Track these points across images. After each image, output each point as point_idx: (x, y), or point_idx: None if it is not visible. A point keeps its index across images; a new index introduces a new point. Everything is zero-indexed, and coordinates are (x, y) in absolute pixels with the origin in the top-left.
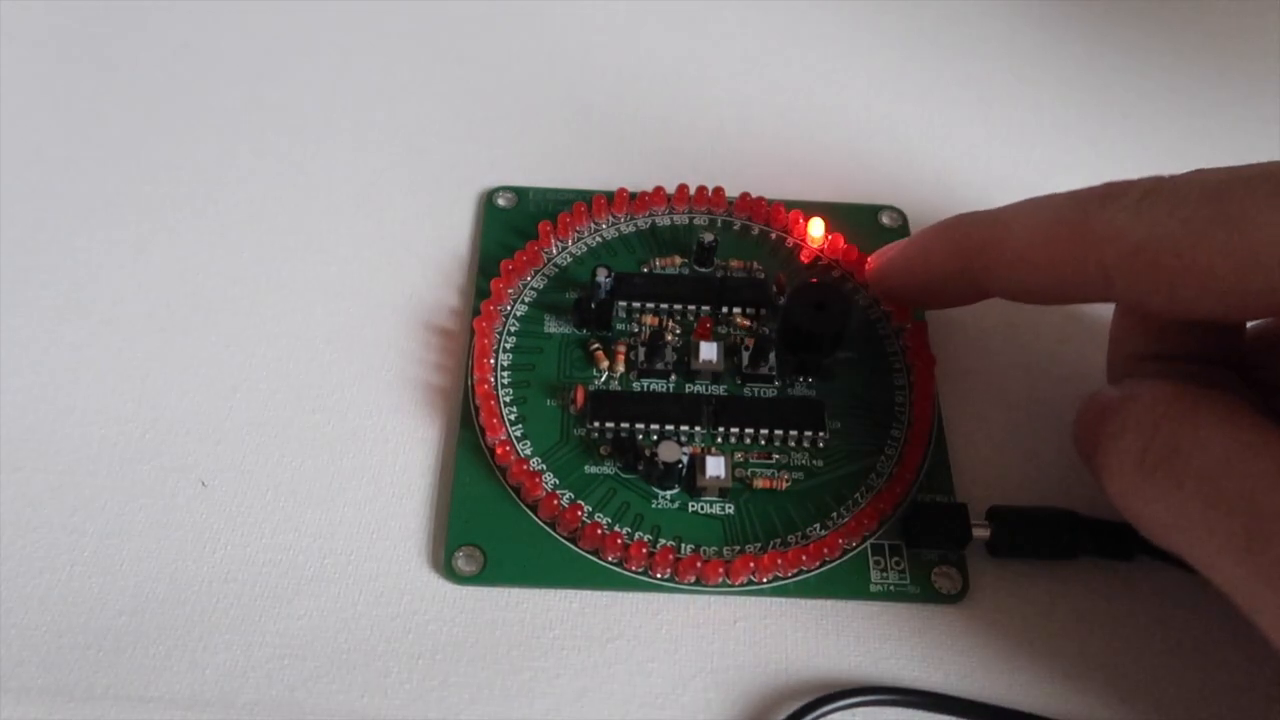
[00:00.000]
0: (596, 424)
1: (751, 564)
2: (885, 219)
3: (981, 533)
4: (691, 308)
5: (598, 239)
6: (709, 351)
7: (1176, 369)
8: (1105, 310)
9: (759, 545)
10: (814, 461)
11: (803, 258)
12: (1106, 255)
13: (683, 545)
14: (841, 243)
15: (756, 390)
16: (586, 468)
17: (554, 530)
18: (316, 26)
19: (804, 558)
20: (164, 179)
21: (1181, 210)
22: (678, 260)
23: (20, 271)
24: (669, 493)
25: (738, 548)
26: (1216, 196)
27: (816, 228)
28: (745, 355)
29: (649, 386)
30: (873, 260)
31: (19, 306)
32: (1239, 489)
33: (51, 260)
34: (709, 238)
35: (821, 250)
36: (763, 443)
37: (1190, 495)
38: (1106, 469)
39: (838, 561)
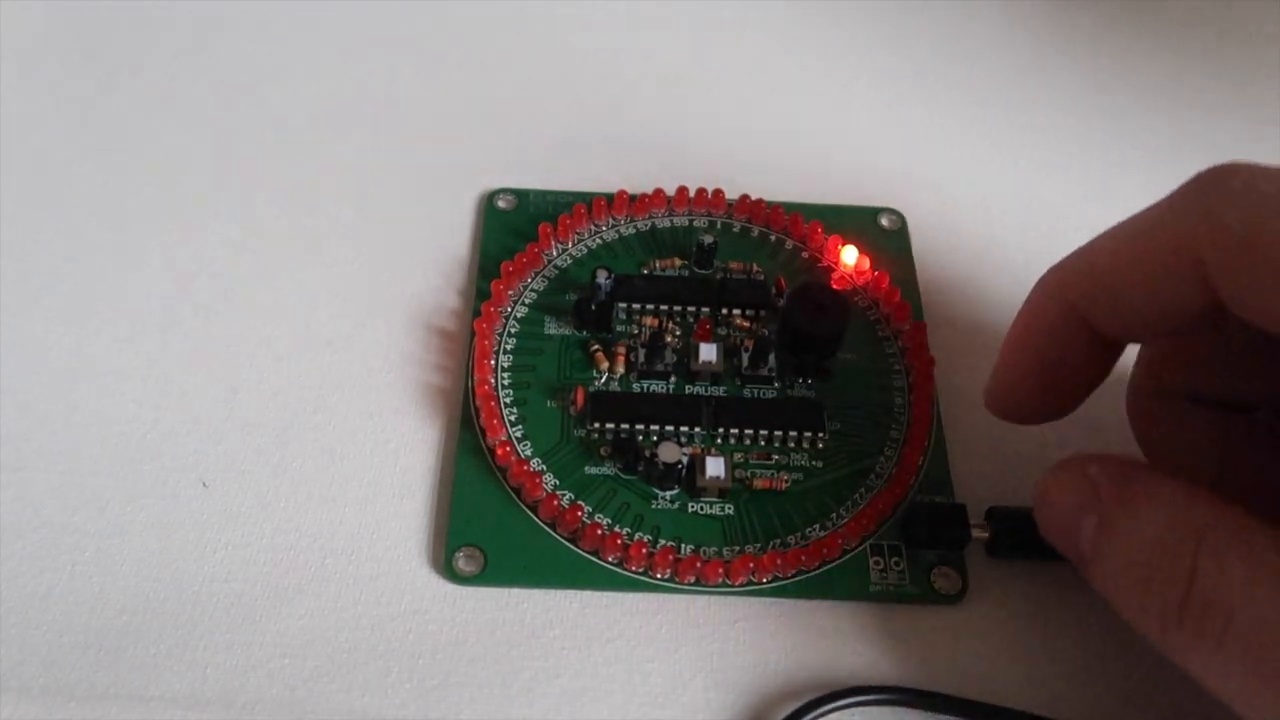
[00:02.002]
0: (596, 425)
1: (751, 564)
2: (884, 221)
3: (980, 533)
4: (691, 309)
5: (598, 241)
6: (709, 353)
7: (1210, 419)
8: None
9: (759, 546)
10: (813, 462)
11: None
12: (1202, 255)
13: (682, 546)
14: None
15: (756, 391)
16: (587, 468)
17: (554, 531)
18: (317, 30)
19: (803, 558)
20: (165, 181)
21: None
22: (677, 262)
23: (22, 272)
24: (669, 493)
25: (737, 548)
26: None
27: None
28: (745, 356)
29: (649, 388)
30: (990, 385)
31: (21, 307)
32: None
33: (53, 261)
34: (709, 239)
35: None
36: (762, 443)
37: (1236, 657)
38: (1126, 605)
39: (837, 562)
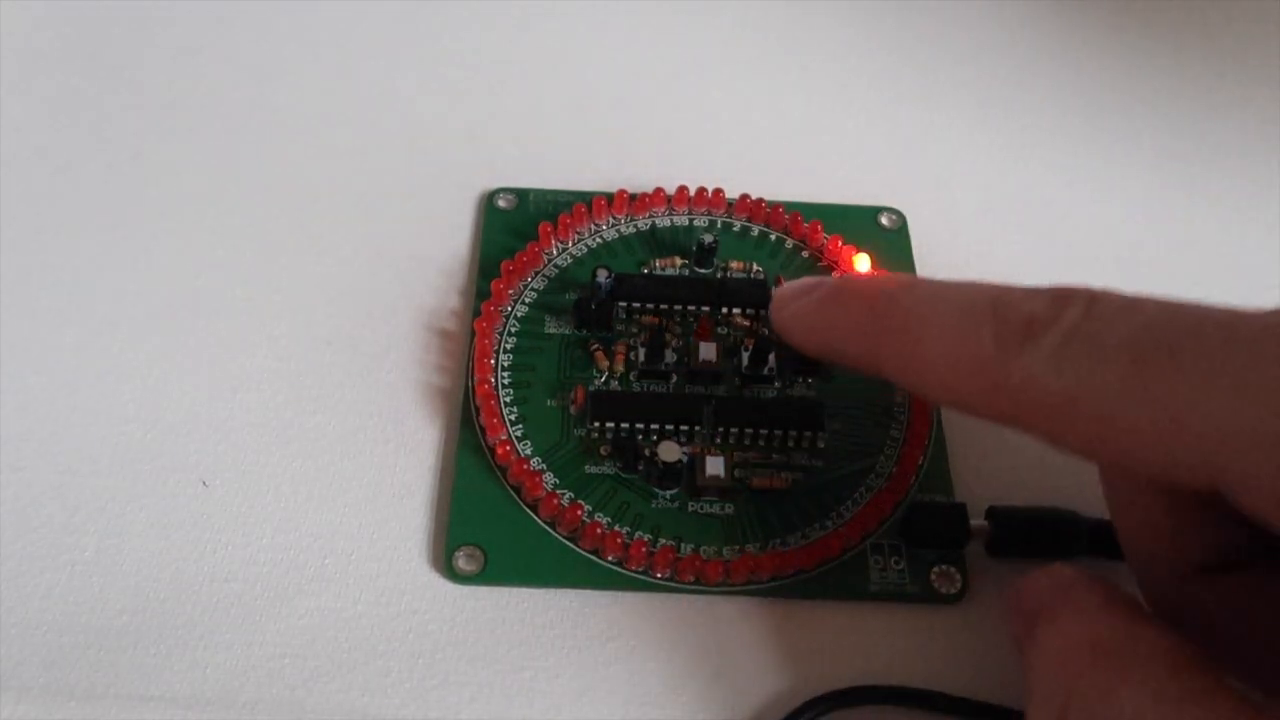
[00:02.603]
0: (596, 424)
1: (751, 564)
2: (884, 220)
3: (981, 533)
4: (691, 308)
5: (598, 240)
6: (708, 352)
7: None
8: None
9: (759, 545)
10: (813, 462)
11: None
12: (1019, 409)
13: (683, 545)
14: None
15: (756, 391)
16: (587, 468)
17: (554, 530)
18: (317, 29)
19: (803, 558)
20: (165, 180)
21: (1102, 367)
22: (677, 261)
23: (22, 272)
24: (669, 493)
25: (738, 548)
26: (1140, 356)
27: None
28: (745, 356)
29: (649, 387)
30: (778, 297)
31: (21, 307)
32: None
33: (53, 261)
34: (709, 239)
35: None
36: (762, 443)
37: None
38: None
39: (837, 561)
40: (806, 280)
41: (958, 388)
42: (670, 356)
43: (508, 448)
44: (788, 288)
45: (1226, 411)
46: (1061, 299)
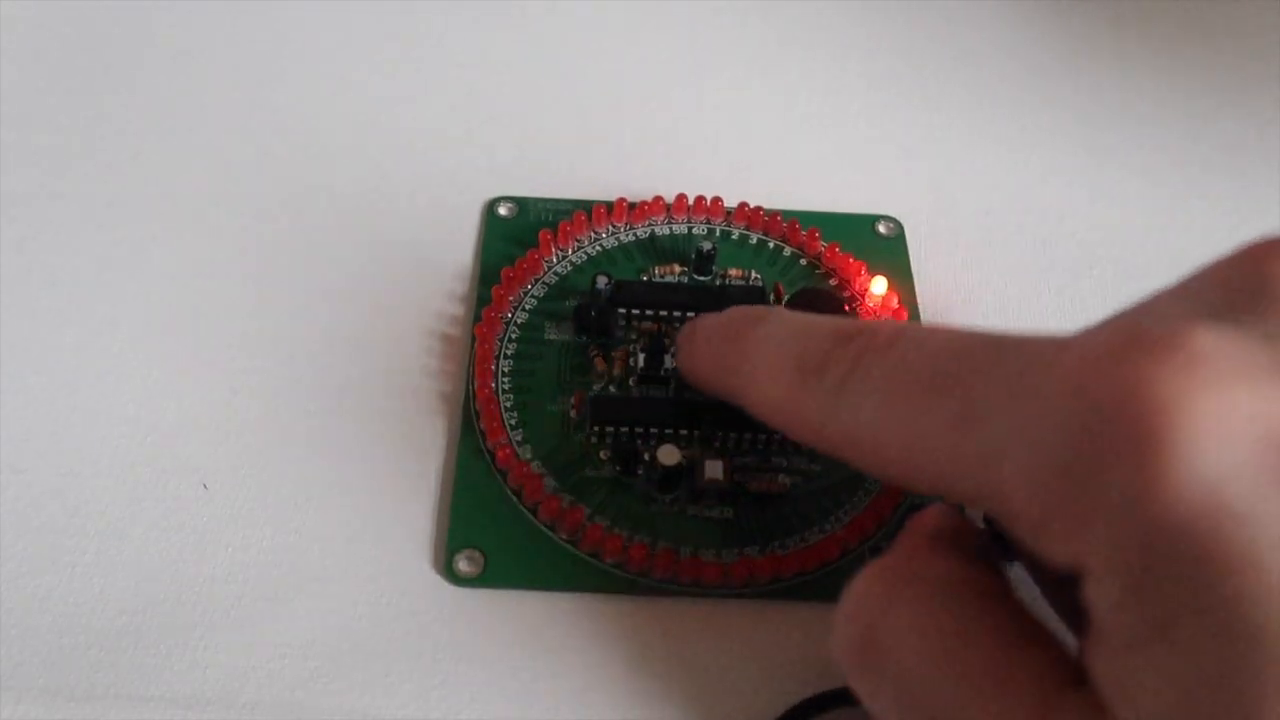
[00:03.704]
0: (596, 428)
1: (750, 567)
2: (882, 228)
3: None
4: (690, 315)
5: (597, 248)
6: None
7: None
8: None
9: (758, 549)
10: (812, 465)
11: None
12: (822, 441)
13: (682, 548)
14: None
15: None
16: (587, 471)
17: (554, 533)
18: (318, 34)
19: (802, 561)
20: (166, 183)
21: (866, 402)
22: (677, 269)
23: (22, 273)
24: (668, 496)
25: (736, 551)
26: (895, 390)
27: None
28: None
29: (648, 392)
30: (685, 335)
31: (21, 308)
32: (928, 706)
33: (53, 262)
34: (708, 246)
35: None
36: (761, 447)
37: (889, 700)
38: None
39: (836, 564)
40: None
41: (781, 424)
42: (669, 363)
43: (508, 451)
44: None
45: (967, 441)
46: (844, 337)
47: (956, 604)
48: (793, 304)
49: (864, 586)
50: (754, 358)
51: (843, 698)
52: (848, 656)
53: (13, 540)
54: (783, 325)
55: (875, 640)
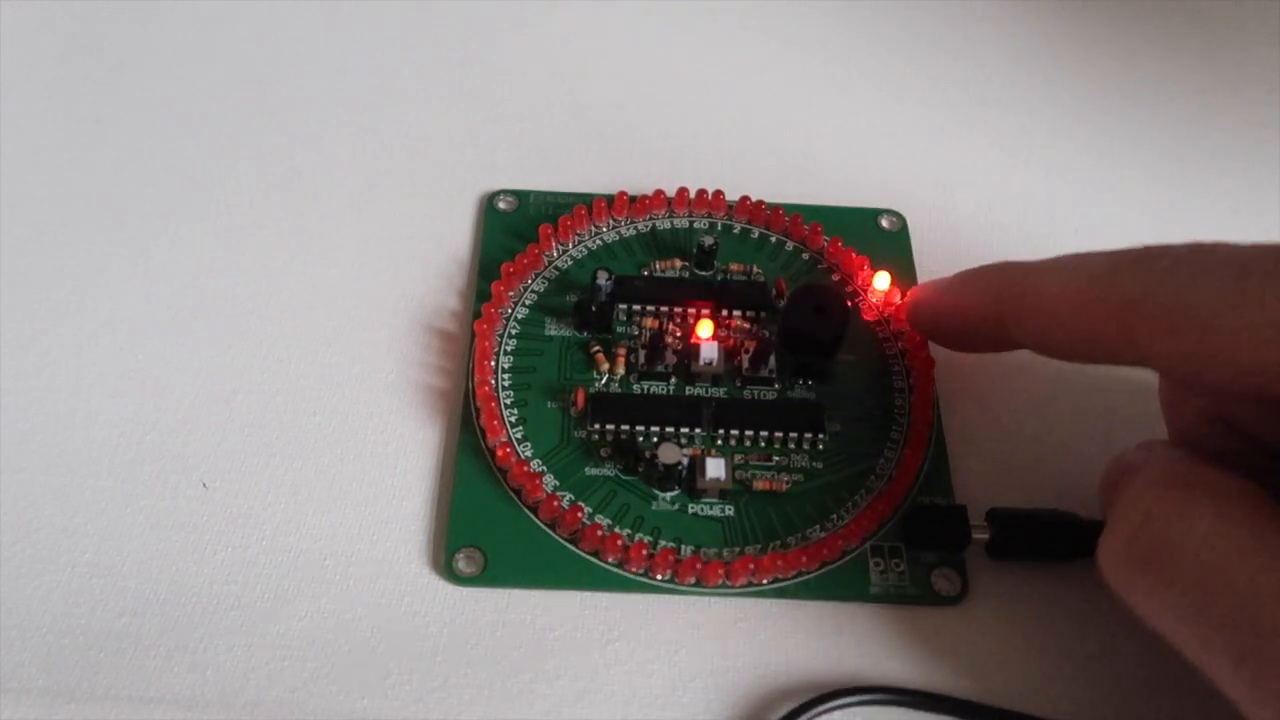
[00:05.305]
0: (597, 426)
1: (751, 565)
2: (884, 222)
3: (981, 535)
4: (692, 310)
5: (598, 242)
6: (709, 353)
7: (1237, 449)
8: None
9: (759, 547)
10: (814, 463)
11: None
12: (1131, 319)
13: (683, 547)
14: (898, 295)
15: (756, 393)
16: (587, 469)
17: (554, 532)
18: (318, 31)
19: (804, 559)
20: (166, 181)
21: (1206, 280)
22: (678, 263)
23: (22, 273)
24: (669, 495)
25: (738, 549)
26: (1241, 271)
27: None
28: (745, 358)
29: (649, 389)
30: (910, 295)
31: (20, 308)
32: (1234, 599)
33: (53, 262)
34: (709, 241)
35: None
36: (762, 445)
37: (1180, 597)
38: (1100, 548)
39: (837, 563)
40: (925, 283)
41: (1075, 318)
42: (670, 359)
43: (508, 449)
44: (919, 285)
45: None
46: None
47: (1248, 502)
48: (794, 299)
49: (1150, 497)
50: (1042, 267)
51: (845, 697)
52: (1128, 565)
53: (12, 540)
54: (1054, 260)
55: (1169, 543)
